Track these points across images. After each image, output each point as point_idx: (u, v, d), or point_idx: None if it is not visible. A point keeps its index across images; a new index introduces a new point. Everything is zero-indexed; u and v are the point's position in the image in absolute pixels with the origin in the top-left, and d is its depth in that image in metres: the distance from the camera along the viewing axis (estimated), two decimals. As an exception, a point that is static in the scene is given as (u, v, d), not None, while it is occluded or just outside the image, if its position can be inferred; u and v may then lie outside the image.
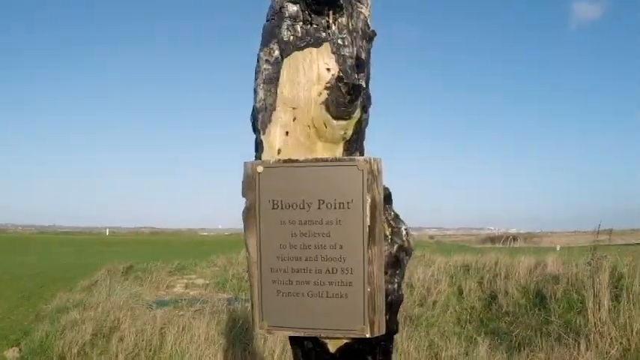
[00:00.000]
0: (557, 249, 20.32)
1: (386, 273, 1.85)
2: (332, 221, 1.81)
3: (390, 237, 1.91)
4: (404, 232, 1.93)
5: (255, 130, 1.97)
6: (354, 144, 1.93)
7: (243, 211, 1.91)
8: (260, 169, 1.86)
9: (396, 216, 1.96)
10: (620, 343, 6.73)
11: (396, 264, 1.90)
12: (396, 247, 1.91)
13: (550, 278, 11.37)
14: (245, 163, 1.91)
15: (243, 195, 1.91)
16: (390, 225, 1.91)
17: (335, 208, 1.81)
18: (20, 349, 7.35)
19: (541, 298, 10.14)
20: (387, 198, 1.91)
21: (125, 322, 8.20)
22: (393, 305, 1.90)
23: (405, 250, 1.93)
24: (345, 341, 1.88)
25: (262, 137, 1.92)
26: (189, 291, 13.41)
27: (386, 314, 1.84)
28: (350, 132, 1.89)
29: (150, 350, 7.24)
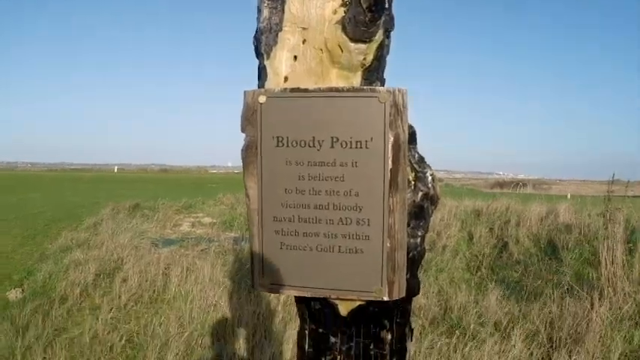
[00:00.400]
0: (568, 197, 20.10)
1: (408, 225, 1.58)
2: (347, 163, 1.51)
3: (413, 183, 1.62)
4: (429, 178, 1.64)
5: (258, 54, 1.64)
6: (375, 73, 1.61)
7: (242, 149, 1.61)
8: (262, 99, 1.55)
9: (421, 158, 1.65)
10: (634, 299, 6.54)
11: (419, 214, 1.62)
12: (420, 194, 1.62)
13: (562, 228, 11.18)
14: (245, 91, 1.59)
15: (243, 130, 1.60)
16: (413, 169, 1.61)
17: (351, 147, 1.50)
18: (23, 290, 7.24)
19: (552, 248, 9.95)
20: (411, 137, 1.61)
21: (129, 262, 8.08)
22: (414, 262, 1.63)
23: (431, 199, 1.64)
24: (359, 303, 1.61)
25: (266, 62, 1.61)
26: (195, 229, 13.28)
27: (406, 273, 1.58)
28: (370, 58, 1.57)
29: (153, 292, 7.12)
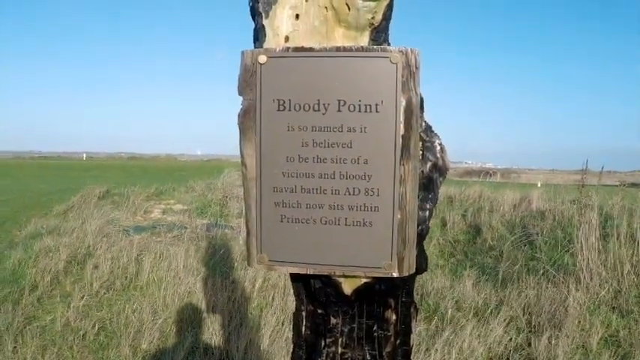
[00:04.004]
0: (539, 185, 20.29)
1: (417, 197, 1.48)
2: (355, 128, 1.39)
3: (421, 153, 1.51)
4: (438, 148, 1.53)
5: (255, 14, 1.52)
6: (382, 33, 1.49)
7: (239, 114, 1.48)
8: (263, 59, 1.42)
9: (428, 127, 1.55)
10: (611, 284, 6.59)
11: (428, 186, 1.52)
12: (428, 165, 1.51)
13: (536, 214, 11.24)
14: (243, 51, 1.46)
15: (240, 93, 1.47)
16: (420, 138, 1.51)
17: (359, 111, 1.38)
18: (-8, 279, 7.05)
19: (527, 234, 9.98)
20: (419, 104, 1.51)
21: (100, 248, 7.92)
22: (422, 237, 1.53)
23: (439, 170, 1.53)
24: (365, 281, 1.51)
25: (264, 22, 1.48)
26: (167, 216, 13.06)
27: (415, 248, 1.48)
28: (379, 17, 1.45)
29: (126, 278, 6.98)
